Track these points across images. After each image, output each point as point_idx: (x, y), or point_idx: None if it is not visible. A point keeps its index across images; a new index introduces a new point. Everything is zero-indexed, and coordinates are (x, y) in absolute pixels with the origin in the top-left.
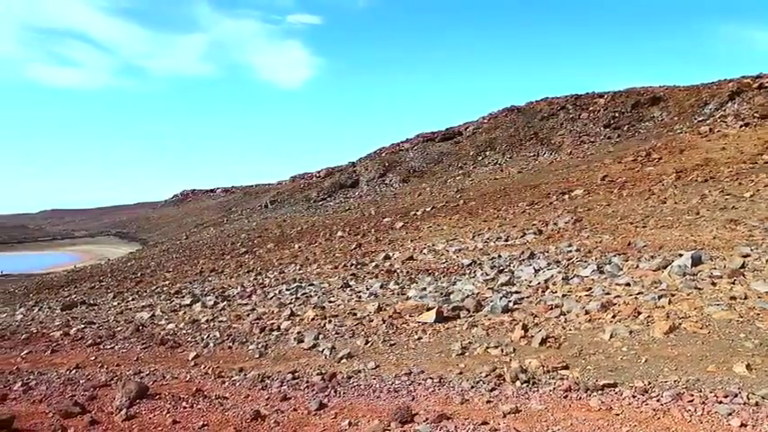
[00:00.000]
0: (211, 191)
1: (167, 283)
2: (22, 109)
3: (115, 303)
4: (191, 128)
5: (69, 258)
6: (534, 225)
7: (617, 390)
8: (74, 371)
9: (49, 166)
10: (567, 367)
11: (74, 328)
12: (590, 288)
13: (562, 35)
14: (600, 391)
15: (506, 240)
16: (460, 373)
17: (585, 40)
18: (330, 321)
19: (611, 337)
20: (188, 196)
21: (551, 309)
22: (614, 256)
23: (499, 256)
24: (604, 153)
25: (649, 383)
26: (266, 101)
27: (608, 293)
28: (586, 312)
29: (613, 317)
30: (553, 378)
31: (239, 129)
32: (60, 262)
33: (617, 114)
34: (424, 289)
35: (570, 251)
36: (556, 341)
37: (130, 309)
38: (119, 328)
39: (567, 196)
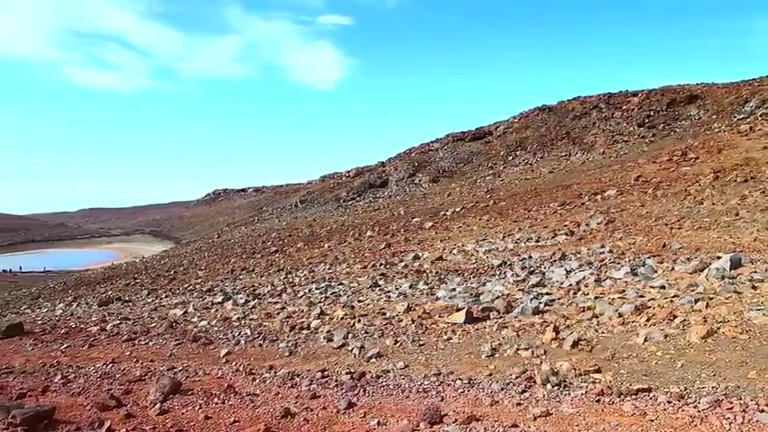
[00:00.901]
0: (242, 190)
1: (200, 280)
2: (60, 111)
3: (149, 300)
4: (223, 128)
5: (106, 256)
6: (566, 226)
7: (651, 395)
8: (110, 365)
9: (87, 166)
10: (599, 371)
11: (110, 324)
12: (623, 290)
13: (595, 33)
14: (634, 396)
15: (537, 241)
16: (490, 374)
17: (619, 38)
18: (359, 321)
19: (645, 340)
20: (220, 195)
21: (583, 311)
22: (648, 257)
23: (530, 256)
24: (638, 153)
25: (686, 389)
26: (297, 101)
27: (642, 296)
28: (619, 315)
29: (647, 320)
30: (585, 381)
31: (271, 129)
32: (97, 259)
33: (652, 113)
34: (454, 289)
35: (603, 252)
36: (588, 344)
37: (164, 306)
38: (153, 325)
39: (599, 197)
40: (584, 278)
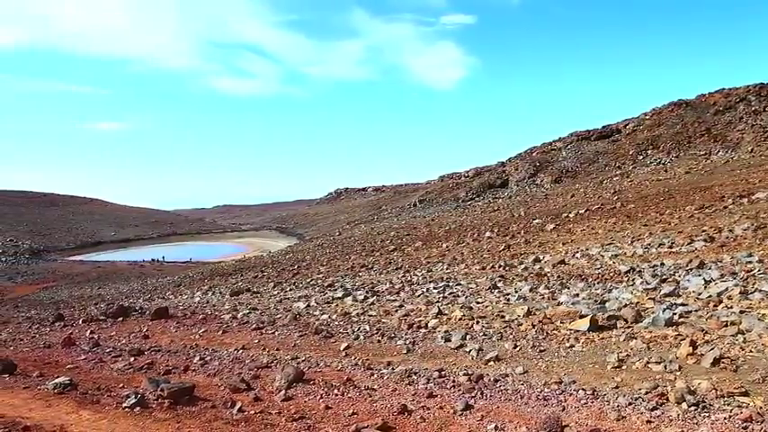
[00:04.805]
0: (363, 189)
1: (321, 276)
2: (202, 116)
3: (275, 292)
4: (346, 129)
5: (236, 249)
6: (704, 231)
7: None
8: (240, 351)
9: (223, 166)
10: (746, 394)
11: (240, 313)
12: None
13: (743, 20)
14: None
15: (670, 247)
16: (616, 387)
17: None
18: (477, 322)
19: None
20: (341, 194)
21: (726, 326)
22: None
23: (662, 263)
24: None
25: None
26: (418, 102)
27: None
28: None
29: None
30: (728, 404)
31: (391, 129)
32: (229, 252)
33: None
34: (577, 295)
35: (750, 262)
36: (732, 363)
37: (288, 298)
38: (278, 316)
39: (745, 200)
40: (726, 289)
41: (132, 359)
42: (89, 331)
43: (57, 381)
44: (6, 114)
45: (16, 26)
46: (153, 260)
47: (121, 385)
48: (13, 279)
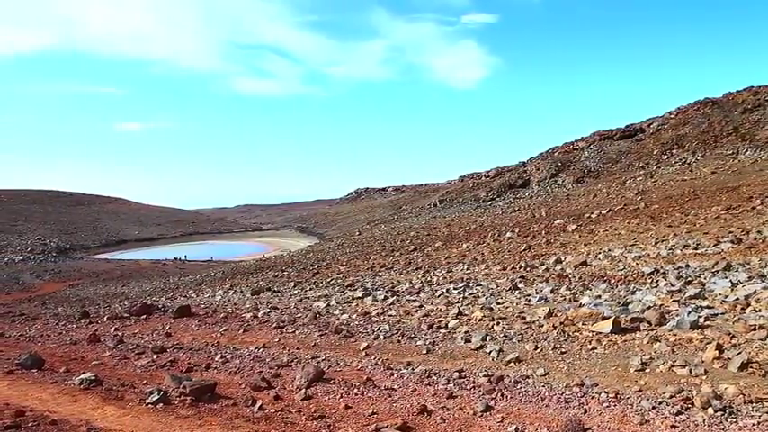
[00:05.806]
0: (383, 189)
1: (341, 275)
2: (223, 116)
3: (295, 291)
4: (367, 129)
5: (257, 249)
6: (731, 233)
7: None
8: (261, 349)
9: (243, 166)
10: None
11: (261, 312)
12: None
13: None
14: None
15: (696, 248)
16: (639, 390)
17: None
18: (498, 323)
19: None
20: (361, 194)
21: (754, 329)
22: None
23: (687, 265)
24: None
25: None
26: (439, 102)
27: None
28: None
29: None
30: (757, 410)
31: (412, 129)
32: (250, 252)
33: None
34: (599, 296)
35: None
36: (761, 367)
37: (308, 297)
38: (299, 315)
39: None
40: (754, 292)
41: (155, 356)
42: (113, 328)
43: (82, 376)
44: (33, 116)
45: (41, 29)
46: (175, 259)
47: (145, 382)
48: (40, 276)
